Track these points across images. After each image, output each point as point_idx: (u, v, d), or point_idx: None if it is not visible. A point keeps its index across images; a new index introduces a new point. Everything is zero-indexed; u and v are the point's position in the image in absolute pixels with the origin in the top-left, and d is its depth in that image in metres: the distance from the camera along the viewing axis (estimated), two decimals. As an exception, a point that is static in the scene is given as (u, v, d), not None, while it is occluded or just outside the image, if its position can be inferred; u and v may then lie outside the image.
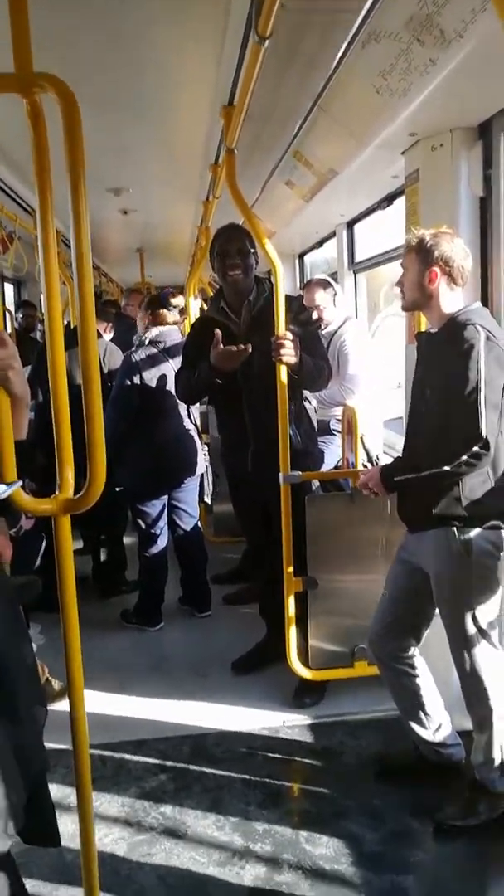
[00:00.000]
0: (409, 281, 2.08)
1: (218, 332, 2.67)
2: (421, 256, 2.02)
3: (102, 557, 4.10)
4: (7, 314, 5.91)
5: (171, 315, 3.52)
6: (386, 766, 2.42)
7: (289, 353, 2.55)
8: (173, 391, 3.42)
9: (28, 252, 4.57)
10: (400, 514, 2.23)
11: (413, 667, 2.26)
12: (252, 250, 2.79)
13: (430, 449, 2.00)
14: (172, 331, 3.52)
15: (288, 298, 2.66)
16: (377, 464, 3.47)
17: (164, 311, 3.49)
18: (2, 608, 1.32)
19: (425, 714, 2.27)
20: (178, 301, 3.58)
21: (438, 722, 2.28)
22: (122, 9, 2.05)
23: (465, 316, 2.00)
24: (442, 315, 2.06)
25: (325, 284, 3.87)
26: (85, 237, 1.32)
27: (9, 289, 6.94)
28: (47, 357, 1.45)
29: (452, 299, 2.05)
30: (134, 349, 3.50)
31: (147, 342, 3.45)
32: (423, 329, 2.33)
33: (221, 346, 2.64)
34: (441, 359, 2.02)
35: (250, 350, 2.61)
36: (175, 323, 3.56)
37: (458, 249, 2.03)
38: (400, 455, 2.31)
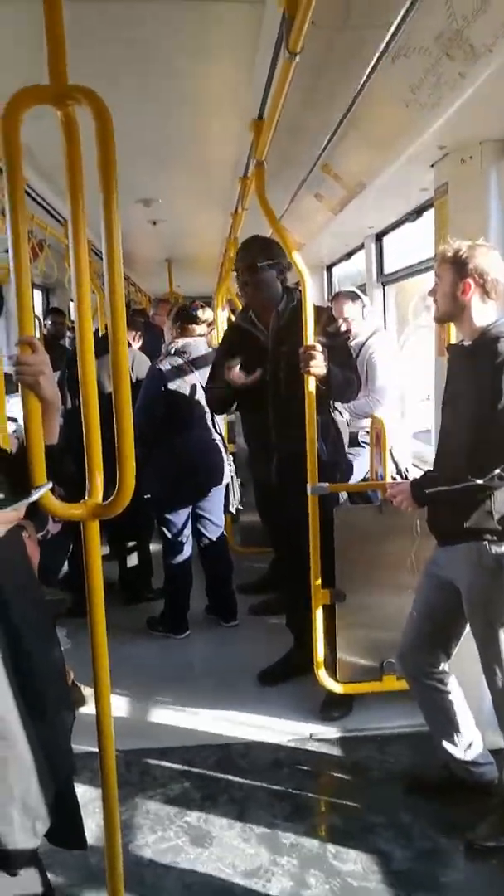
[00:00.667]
0: (442, 292, 2.07)
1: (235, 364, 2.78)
2: (455, 267, 2.01)
3: (129, 564, 4.12)
4: (36, 321, 6.00)
5: (199, 327, 3.56)
6: (415, 783, 2.38)
7: (317, 365, 2.55)
8: (199, 401, 3.45)
9: (57, 260, 4.63)
10: (430, 527, 2.21)
11: (443, 682, 2.23)
12: (265, 263, 2.77)
13: (462, 462, 1.98)
14: (199, 342, 3.56)
15: (317, 310, 2.66)
16: (406, 476, 3.44)
17: (192, 322, 3.53)
18: (32, 612, 1.34)
19: (456, 731, 2.23)
20: (207, 315, 3.61)
21: (469, 739, 2.24)
22: (155, 23, 2.10)
23: (497, 329, 1.98)
24: (474, 328, 2.04)
25: (353, 296, 3.88)
26: (117, 248, 1.34)
27: (37, 296, 7.04)
28: (77, 364, 1.48)
29: (485, 312, 2.03)
30: (160, 359, 3.54)
31: (173, 352, 3.49)
32: (452, 341, 2.32)
33: (236, 370, 2.74)
34: (473, 372, 2.00)
35: (258, 377, 2.72)
36: (201, 335, 3.60)
37: (494, 262, 2.01)
38: (430, 468, 2.29)
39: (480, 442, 1.94)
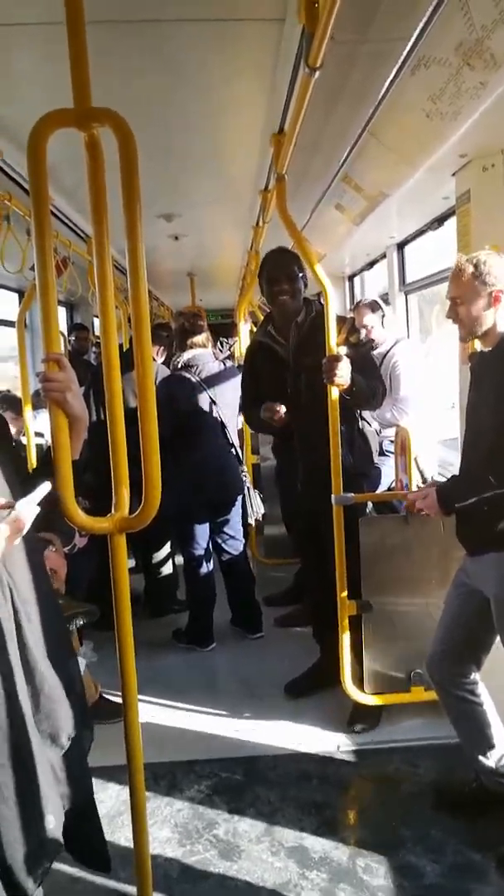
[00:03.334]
0: (469, 309, 2.03)
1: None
2: (480, 281, 2.01)
3: (156, 576, 4.13)
4: (61, 337, 6.06)
5: (199, 337, 3.60)
6: (445, 796, 2.35)
7: (342, 375, 2.54)
8: (211, 415, 3.50)
9: (81, 276, 4.71)
10: (459, 536, 2.19)
11: (474, 693, 2.20)
12: (300, 274, 2.82)
13: (487, 469, 1.97)
14: (204, 354, 3.59)
15: (338, 320, 2.67)
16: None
17: (191, 335, 3.58)
18: (47, 629, 1.29)
19: (487, 742, 2.20)
20: (202, 322, 3.71)
21: (501, 751, 2.20)
22: (175, 40, 2.13)
23: None
24: (496, 335, 2.04)
25: (373, 306, 3.87)
26: (141, 266, 1.35)
27: (62, 312, 7.13)
28: (103, 379, 1.50)
29: None
30: (170, 373, 3.62)
31: (180, 366, 3.55)
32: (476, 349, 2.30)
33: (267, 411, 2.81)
34: (494, 377, 2.00)
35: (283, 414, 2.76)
36: (203, 345, 3.63)
37: None
38: (455, 474, 2.28)
39: (502, 447, 1.92)
